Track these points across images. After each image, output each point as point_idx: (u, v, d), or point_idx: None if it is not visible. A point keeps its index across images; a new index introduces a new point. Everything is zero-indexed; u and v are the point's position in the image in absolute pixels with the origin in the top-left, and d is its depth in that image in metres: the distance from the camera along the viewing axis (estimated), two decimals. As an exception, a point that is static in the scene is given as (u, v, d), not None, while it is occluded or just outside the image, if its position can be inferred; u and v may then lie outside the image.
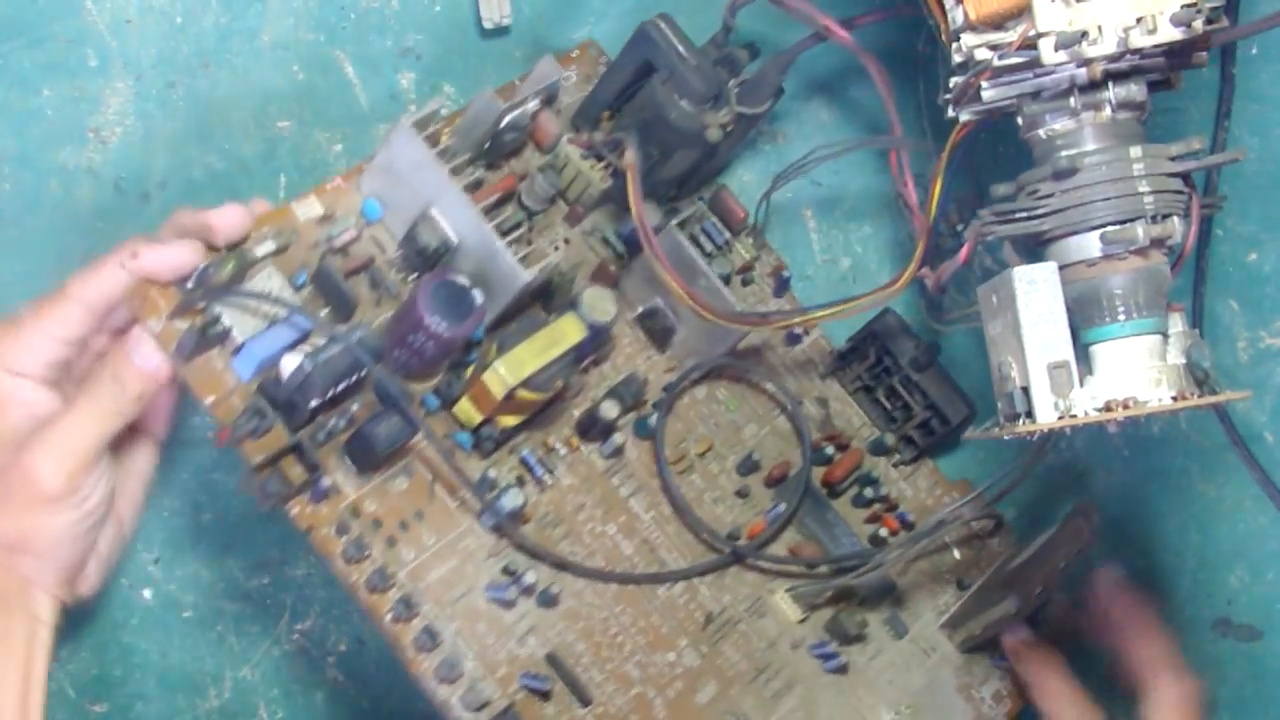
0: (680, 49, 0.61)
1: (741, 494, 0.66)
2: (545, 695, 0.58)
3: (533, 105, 0.63)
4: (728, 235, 0.69)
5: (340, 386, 0.56)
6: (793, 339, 0.71)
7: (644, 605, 0.61)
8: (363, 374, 0.56)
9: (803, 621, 0.64)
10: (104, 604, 0.72)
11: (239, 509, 0.73)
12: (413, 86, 0.70)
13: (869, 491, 0.68)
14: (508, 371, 0.57)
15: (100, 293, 0.56)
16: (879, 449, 0.70)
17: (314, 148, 0.70)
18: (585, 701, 0.58)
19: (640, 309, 0.66)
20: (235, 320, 0.56)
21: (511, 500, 0.58)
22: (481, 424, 0.59)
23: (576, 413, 0.63)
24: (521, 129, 0.63)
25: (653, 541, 0.63)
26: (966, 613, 0.67)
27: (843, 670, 0.64)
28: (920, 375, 0.68)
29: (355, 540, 0.56)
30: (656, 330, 0.66)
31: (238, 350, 0.56)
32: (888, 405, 0.70)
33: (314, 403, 0.55)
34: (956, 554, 0.69)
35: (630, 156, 0.59)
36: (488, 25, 0.69)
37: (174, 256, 0.55)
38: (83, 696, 0.72)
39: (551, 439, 0.63)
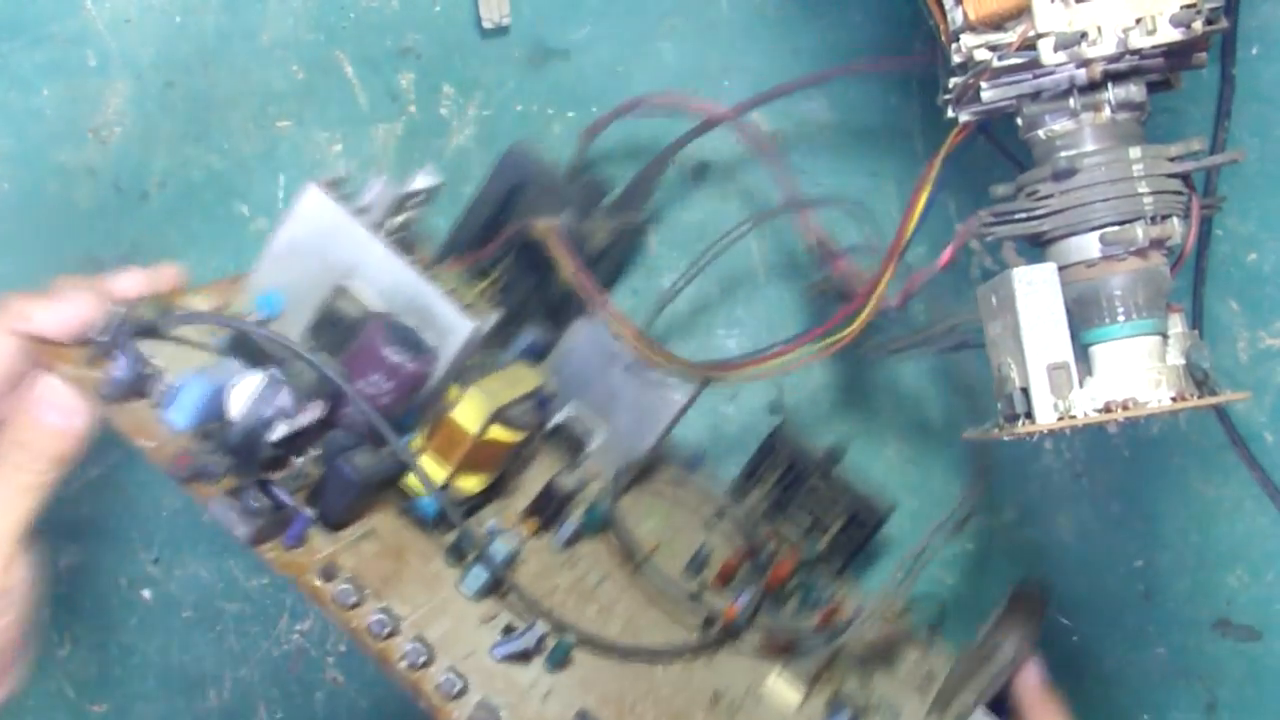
0: (549, 166, 0.62)
1: (696, 596, 0.62)
2: None
3: (411, 214, 0.58)
4: None
5: (303, 421, 0.50)
6: (692, 464, 0.69)
7: (650, 680, 0.57)
8: (322, 415, 0.50)
9: (804, 704, 0.61)
10: (104, 604, 0.72)
11: (239, 509, 0.73)
12: (412, 86, 0.70)
13: (815, 592, 0.66)
14: (485, 398, 0.54)
15: None
16: (807, 559, 0.67)
17: (314, 148, 0.70)
18: None
19: (550, 424, 0.64)
20: (166, 361, 0.49)
21: (506, 544, 0.54)
22: (443, 487, 0.54)
23: (520, 507, 0.60)
24: (405, 232, 0.60)
25: (636, 625, 0.59)
26: (951, 690, 0.64)
27: None
28: (837, 470, 0.67)
29: (347, 586, 0.50)
30: (571, 441, 0.64)
31: (173, 395, 0.48)
32: (800, 524, 0.68)
33: (279, 432, 0.49)
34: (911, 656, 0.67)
35: (545, 222, 0.58)
36: (487, 25, 0.69)
37: (71, 311, 0.48)
38: (83, 696, 0.73)
39: (510, 516, 0.59)
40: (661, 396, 0.64)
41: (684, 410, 0.64)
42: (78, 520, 0.72)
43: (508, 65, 0.70)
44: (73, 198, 0.68)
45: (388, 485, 0.54)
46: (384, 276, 0.53)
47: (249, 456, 0.49)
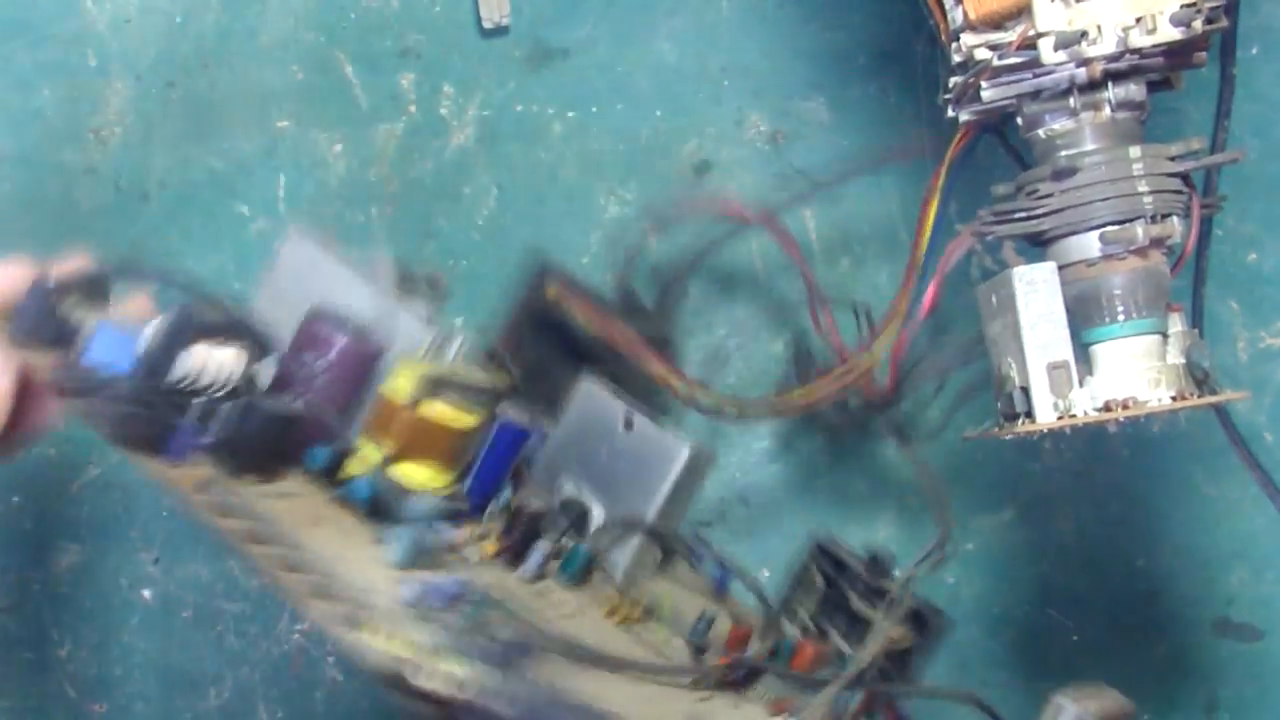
0: (580, 280, 0.61)
1: (699, 652, 0.53)
2: None
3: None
4: None
5: (217, 359, 0.45)
6: (720, 587, 0.59)
7: (625, 691, 0.47)
8: (245, 369, 0.47)
9: None
10: (104, 604, 0.72)
11: (239, 509, 0.73)
12: (413, 86, 0.70)
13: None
14: (416, 367, 0.50)
15: None
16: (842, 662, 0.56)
17: (314, 148, 0.70)
18: None
19: (556, 501, 0.58)
20: (87, 316, 0.47)
21: (424, 500, 0.48)
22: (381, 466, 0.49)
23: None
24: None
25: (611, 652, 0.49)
26: None
27: None
28: (886, 580, 0.58)
29: (230, 499, 0.43)
30: (574, 518, 0.57)
31: (88, 343, 0.46)
32: (839, 630, 0.59)
33: (188, 362, 0.44)
34: None
35: (552, 284, 0.57)
36: (487, 25, 0.69)
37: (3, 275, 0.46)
38: (83, 696, 0.73)
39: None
40: (663, 452, 0.57)
41: (689, 480, 0.57)
42: (78, 520, 0.72)
43: (508, 65, 0.70)
44: (73, 198, 0.68)
45: (330, 472, 0.49)
46: (353, 302, 0.53)
47: (148, 380, 0.44)
